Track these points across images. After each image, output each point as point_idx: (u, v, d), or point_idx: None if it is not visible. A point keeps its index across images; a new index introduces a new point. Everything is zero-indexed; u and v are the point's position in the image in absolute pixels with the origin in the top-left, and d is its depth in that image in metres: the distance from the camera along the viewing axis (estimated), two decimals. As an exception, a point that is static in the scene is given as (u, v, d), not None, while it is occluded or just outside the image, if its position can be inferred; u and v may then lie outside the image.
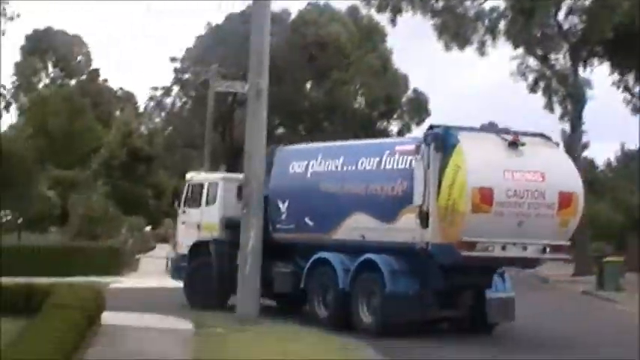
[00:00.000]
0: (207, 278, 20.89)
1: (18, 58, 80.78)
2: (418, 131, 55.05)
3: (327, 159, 19.76)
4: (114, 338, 14.63)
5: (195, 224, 22.09)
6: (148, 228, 54.78)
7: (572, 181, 18.19)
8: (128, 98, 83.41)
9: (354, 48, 52.13)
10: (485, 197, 16.97)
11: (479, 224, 16.98)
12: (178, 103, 61.16)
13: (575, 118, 34.47)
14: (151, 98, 63.38)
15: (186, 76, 58.36)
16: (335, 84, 50.73)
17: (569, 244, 18.55)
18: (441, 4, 33.70)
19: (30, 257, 30.30)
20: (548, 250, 17.94)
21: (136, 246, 41.79)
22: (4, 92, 73.93)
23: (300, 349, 14.78)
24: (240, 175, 20.14)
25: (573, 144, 34.15)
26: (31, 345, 10.57)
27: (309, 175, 19.84)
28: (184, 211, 22.88)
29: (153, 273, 34.13)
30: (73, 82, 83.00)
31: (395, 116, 54.43)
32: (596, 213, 41.77)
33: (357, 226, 18.94)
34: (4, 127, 66.82)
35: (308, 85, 54.19)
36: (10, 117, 78.40)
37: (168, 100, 62.42)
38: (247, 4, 50.87)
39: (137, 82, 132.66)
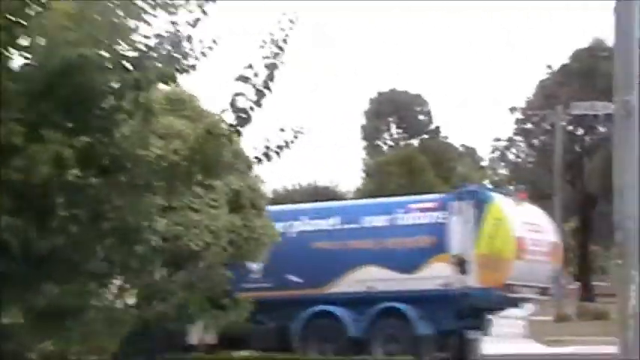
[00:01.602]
0: None
1: (363, 121, 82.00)
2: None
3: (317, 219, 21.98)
4: None
5: None
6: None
7: (554, 233, 22.05)
8: (470, 153, 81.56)
9: None
10: (522, 246, 20.36)
11: (516, 269, 20.32)
12: (522, 154, 58.04)
13: None
14: (494, 150, 60.95)
15: (529, 125, 55.21)
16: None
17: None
18: None
19: None
20: (546, 291, 22.18)
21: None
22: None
23: None
24: None
25: None
26: None
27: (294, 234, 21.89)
28: None
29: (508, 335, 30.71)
30: (414, 141, 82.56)
31: None
32: None
33: (364, 279, 21.00)
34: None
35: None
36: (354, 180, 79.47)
37: (512, 152, 59.61)
38: (596, 39, 47.46)
39: (479, 136, 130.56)
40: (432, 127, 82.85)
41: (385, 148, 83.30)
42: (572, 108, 13.14)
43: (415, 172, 64.57)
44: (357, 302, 21.20)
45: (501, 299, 20.77)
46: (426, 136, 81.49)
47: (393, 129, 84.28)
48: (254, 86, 10.60)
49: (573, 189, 50.02)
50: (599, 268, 70.45)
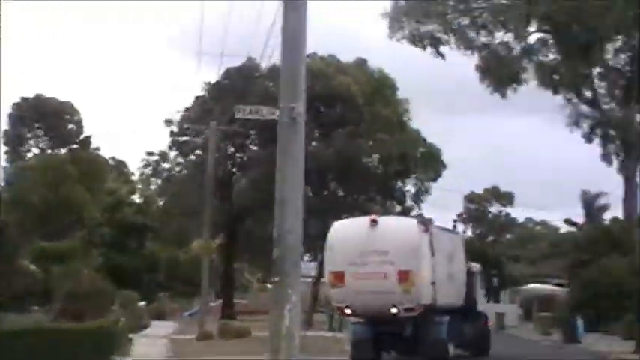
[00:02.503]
0: None
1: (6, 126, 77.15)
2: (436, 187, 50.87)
3: None
4: None
5: None
6: (142, 303, 50.17)
7: None
8: (119, 166, 79.61)
9: (365, 102, 47.77)
10: None
11: None
12: (175, 169, 57.16)
13: (630, 167, 30.44)
14: (146, 165, 59.55)
15: (183, 138, 54.44)
16: (347, 140, 45.70)
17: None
18: (482, 39, 29.89)
19: (7, 342, 25.61)
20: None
21: (129, 324, 37.16)
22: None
23: None
24: None
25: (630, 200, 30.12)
26: None
27: None
28: None
29: (150, 355, 29.45)
30: (63, 150, 78.94)
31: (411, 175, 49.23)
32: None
33: None
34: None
35: (313, 143, 49.76)
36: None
37: (165, 167, 58.58)
38: (245, 59, 47.87)
39: (133, 149, 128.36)
40: (83, 137, 79.80)
41: (30, 155, 79.03)
42: (236, 110, 11.85)
43: (62, 183, 61.52)
44: None
45: None
46: (75, 146, 78.26)
47: (39, 136, 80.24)
48: None
49: (223, 205, 49.82)
50: (241, 286, 71.47)
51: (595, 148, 30.59)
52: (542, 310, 50.85)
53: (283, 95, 12.60)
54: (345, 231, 26.09)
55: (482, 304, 31.34)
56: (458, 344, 27.86)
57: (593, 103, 30.37)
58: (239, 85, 49.41)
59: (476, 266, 30.97)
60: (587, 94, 30.64)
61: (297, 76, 12.70)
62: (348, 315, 26.09)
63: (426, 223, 26.31)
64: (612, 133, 29.05)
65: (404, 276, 24.16)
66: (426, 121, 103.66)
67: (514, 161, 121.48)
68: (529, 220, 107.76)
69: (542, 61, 29.65)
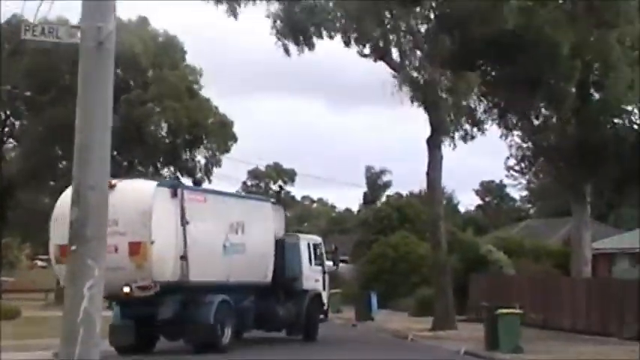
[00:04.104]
0: None
1: None
2: (225, 160, 48.23)
3: None
4: None
5: None
6: None
7: None
8: None
9: (149, 64, 44.38)
10: None
11: None
12: None
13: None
14: None
15: None
16: (131, 106, 42.22)
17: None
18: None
19: None
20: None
21: None
22: None
23: None
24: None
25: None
26: None
27: None
28: None
29: None
30: None
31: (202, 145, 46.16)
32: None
33: None
34: None
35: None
36: None
37: None
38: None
39: None
40: None
41: None
42: (23, 29, 9.04)
43: None
44: None
45: None
46: None
47: None
48: None
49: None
50: (9, 263, 66.16)
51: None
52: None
53: (86, 11, 9.68)
54: None
55: (317, 282, 27.95)
56: (260, 326, 25.45)
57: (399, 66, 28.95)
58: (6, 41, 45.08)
59: (299, 237, 27.98)
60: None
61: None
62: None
63: (175, 187, 22.49)
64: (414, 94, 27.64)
65: (135, 248, 20.60)
66: (218, 94, 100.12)
67: (302, 139, 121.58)
68: (305, 197, 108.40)
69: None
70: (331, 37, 28.22)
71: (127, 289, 20.65)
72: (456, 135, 30.06)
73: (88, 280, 9.53)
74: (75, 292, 9.56)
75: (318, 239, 29.46)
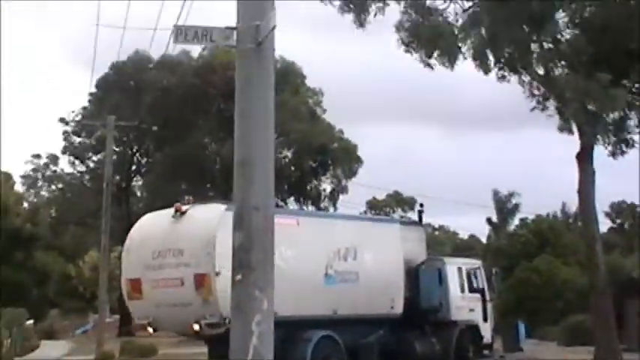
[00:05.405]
0: None
1: None
2: (351, 185, 46.66)
3: None
4: None
5: None
6: (30, 322, 45.25)
7: None
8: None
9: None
10: None
11: None
12: (68, 173, 52.31)
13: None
14: (35, 170, 54.59)
15: (78, 139, 49.72)
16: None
17: None
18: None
19: None
20: None
21: (16, 346, 32.75)
22: None
23: None
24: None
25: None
26: None
27: None
28: None
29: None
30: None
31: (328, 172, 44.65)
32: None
33: None
34: None
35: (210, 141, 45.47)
36: None
37: (55, 169, 53.74)
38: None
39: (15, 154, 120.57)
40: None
41: None
42: (175, 33, 8.17)
43: None
44: None
45: None
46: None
47: None
48: None
49: (120, 212, 45.12)
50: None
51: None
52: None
53: (243, 10, 8.55)
54: (148, 227, 20.06)
55: (473, 312, 24.51)
56: None
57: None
58: (129, 78, 45.65)
59: (444, 262, 24.48)
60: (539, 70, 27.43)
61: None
62: (155, 333, 20.23)
63: None
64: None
65: (200, 281, 18.14)
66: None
67: (421, 166, 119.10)
68: (427, 225, 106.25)
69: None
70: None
71: (196, 327, 18.32)
72: (605, 151, 27.97)
73: (256, 315, 8.30)
74: (242, 327, 8.34)
75: (475, 263, 26.16)
